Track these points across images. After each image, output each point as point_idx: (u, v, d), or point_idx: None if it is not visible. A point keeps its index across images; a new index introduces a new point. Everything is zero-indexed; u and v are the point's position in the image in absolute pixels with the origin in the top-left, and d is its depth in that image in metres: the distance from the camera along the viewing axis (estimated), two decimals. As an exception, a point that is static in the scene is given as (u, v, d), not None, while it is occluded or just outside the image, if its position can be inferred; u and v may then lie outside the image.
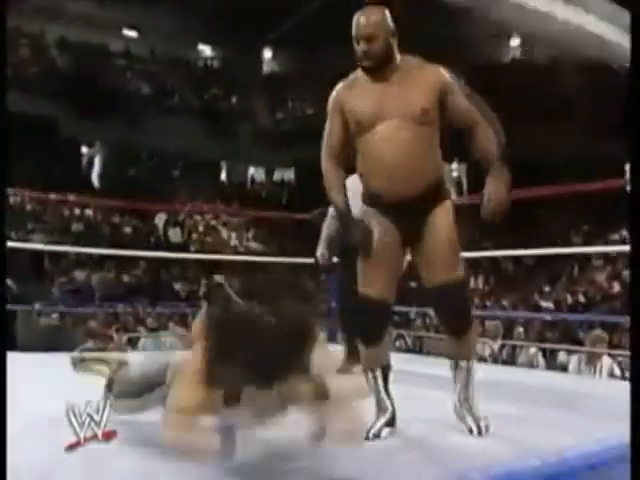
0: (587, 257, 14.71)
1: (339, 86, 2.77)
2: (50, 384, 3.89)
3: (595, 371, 6.78)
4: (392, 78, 2.61)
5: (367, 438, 2.62)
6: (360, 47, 2.60)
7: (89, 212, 16.29)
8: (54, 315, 9.70)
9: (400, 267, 2.80)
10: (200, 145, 20.51)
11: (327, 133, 2.76)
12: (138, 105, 20.03)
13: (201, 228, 17.75)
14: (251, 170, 24.52)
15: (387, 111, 2.57)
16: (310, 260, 6.87)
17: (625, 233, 15.48)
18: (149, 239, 15.74)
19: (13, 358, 4.96)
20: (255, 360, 1.91)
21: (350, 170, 2.82)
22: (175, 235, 16.74)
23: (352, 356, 3.75)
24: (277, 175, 24.44)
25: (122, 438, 2.02)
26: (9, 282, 10.73)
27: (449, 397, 2.78)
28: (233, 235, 17.92)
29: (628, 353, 7.88)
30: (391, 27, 2.60)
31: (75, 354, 2.89)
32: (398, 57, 2.65)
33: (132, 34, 23.29)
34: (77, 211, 16.03)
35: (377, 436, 2.65)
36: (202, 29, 23.37)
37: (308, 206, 7.06)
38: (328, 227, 4.67)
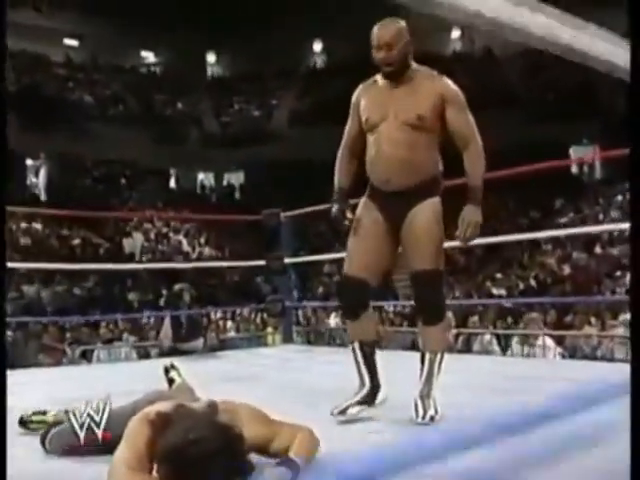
0: (536, 242, 14.93)
1: (360, 86, 3.02)
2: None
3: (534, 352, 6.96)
4: (403, 85, 2.83)
5: (331, 414, 2.74)
6: (379, 55, 2.80)
7: (37, 226, 16.05)
8: (7, 332, 9.53)
9: (388, 255, 2.94)
10: (147, 152, 20.37)
11: (347, 125, 3.05)
12: (82, 114, 19.82)
13: (152, 236, 17.61)
14: (200, 175, 24.40)
15: (389, 113, 2.81)
16: (263, 262, 6.93)
17: (572, 215, 15.82)
18: (98, 250, 15.56)
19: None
20: None
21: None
22: (128, 245, 16.57)
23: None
24: (227, 178, 24.36)
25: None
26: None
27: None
28: (185, 242, 17.81)
29: (579, 333, 8.09)
30: (407, 38, 2.80)
31: (23, 417, 2.84)
32: (414, 66, 2.85)
33: (73, 43, 23.01)
34: (24, 225, 15.78)
35: (342, 413, 2.76)
36: (144, 35, 23.23)
37: (259, 207, 7.09)
38: None
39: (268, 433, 2.08)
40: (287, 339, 6.99)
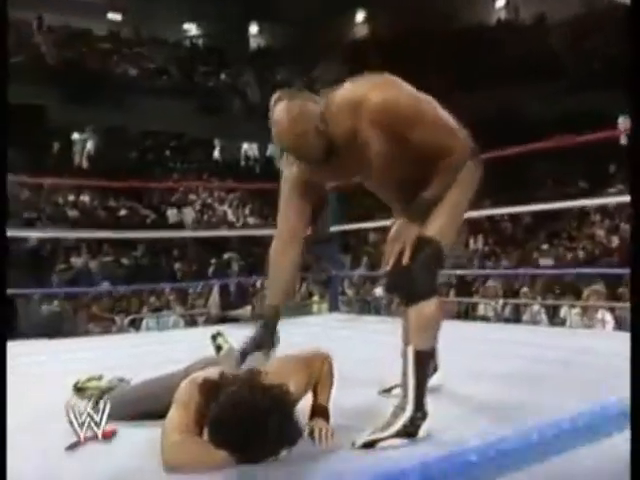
0: (585, 213, 14.68)
1: None
2: (52, 370, 3.90)
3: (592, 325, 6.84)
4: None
5: (378, 393, 2.74)
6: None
7: (84, 198, 16.24)
8: (55, 302, 9.70)
9: None
10: (192, 124, 20.44)
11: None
12: (126, 87, 19.90)
13: (198, 207, 17.72)
14: (244, 146, 24.42)
15: None
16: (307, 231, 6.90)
17: (622, 186, 15.46)
18: (145, 221, 15.71)
19: (15, 346, 5.00)
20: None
21: None
22: (172, 216, 16.72)
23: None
24: (270, 149, 24.34)
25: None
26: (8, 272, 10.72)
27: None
28: (230, 212, 17.89)
29: (627, 305, 7.93)
30: (309, 124, 2.11)
31: (78, 383, 2.88)
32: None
33: (116, 17, 23.09)
34: (72, 197, 15.98)
35: (387, 392, 2.75)
36: (186, 8, 23.21)
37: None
38: None
39: (306, 377, 2.19)
40: (333, 308, 6.99)
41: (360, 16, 25.89)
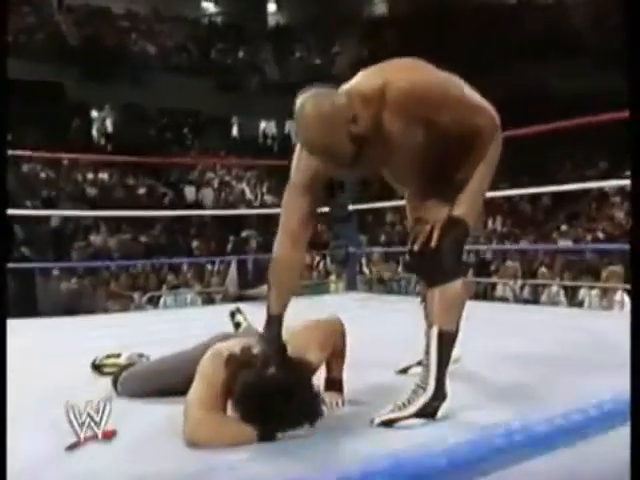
0: (605, 194, 14.53)
1: None
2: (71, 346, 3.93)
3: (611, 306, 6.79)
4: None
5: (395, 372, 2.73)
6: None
7: (103, 175, 16.30)
8: (73, 280, 9.77)
9: None
10: (210, 101, 20.42)
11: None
12: (145, 65, 19.92)
13: (215, 184, 17.75)
14: (262, 124, 24.36)
15: None
16: (325, 209, 6.89)
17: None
18: (163, 200, 15.75)
19: (34, 323, 5.04)
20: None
21: None
22: (190, 193, 16.75)
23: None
24: (288, 127, 24.29)
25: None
26: (26, 250, 10.81)
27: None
28: (247, 190, 17.91)
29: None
30: (340, 122, 1.96)
31: (96, 360, 2.90)
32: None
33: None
34: (90, 175, 16.05)
35: (403, 372, 2.76)
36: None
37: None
38: None
39: (324, 345, 2.24)
40: (351, 286, 6.97)
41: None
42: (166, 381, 2.43)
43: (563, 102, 15.07)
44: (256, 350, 2.05)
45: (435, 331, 2.12)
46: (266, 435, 1.90)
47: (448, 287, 2.11)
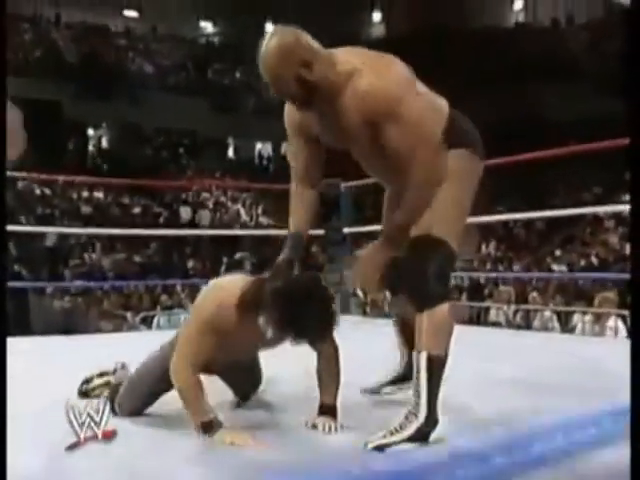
0: (599, 219, 14.58)
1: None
2: (63, 367, 3.89)
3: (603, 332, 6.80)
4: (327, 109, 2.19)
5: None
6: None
7: (98, 194, 16.30)
8: (67, 298, 9.74)
9: None
10: (206, 122, 20.47)
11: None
12: (142, 84, 19.99)
13: (211, 205, 17.75)
14: (258, 145, 24.43)
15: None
16: (321, 232, 6.89)
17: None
18: (158, 219, 15.75)
19: (27, 342, 5.00)
20: None
21: None
22: (185, 213, 16.75)
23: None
24: (284, 148, 24.40)
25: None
26: (20, 268, 10.78)
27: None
28: (243, 211, 17.91)
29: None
30: (295, 60, 2.08)
31: (80, 387, 2.86)
32: (331, 77, 2.12)
33: (133, 14, 23.18)
34: (85, 194, 16.04)
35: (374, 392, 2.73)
36: (202, 5, 23.25)
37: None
38: None
39: None
40: (344, 309, 6.95)
41: (377, 16, 25.92)
42: (151, 385, 2.45)
43: (559, 125, 15.19)
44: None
45: (424, 356, 2.10)
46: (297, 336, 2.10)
47: (436, 310, 2.09)
